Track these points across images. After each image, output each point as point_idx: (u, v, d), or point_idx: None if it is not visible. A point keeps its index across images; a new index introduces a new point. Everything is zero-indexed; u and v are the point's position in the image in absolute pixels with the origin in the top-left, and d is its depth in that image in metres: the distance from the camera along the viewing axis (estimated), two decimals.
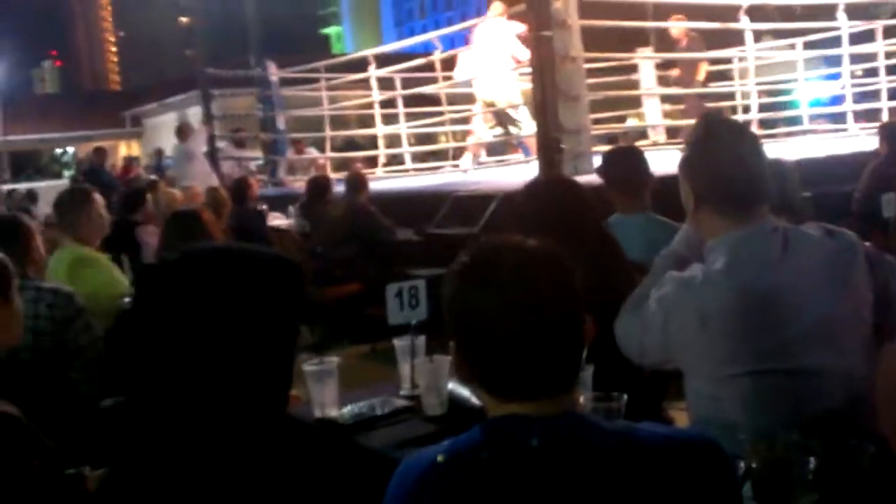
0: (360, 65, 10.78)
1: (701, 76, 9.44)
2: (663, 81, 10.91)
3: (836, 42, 10.06)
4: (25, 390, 2.27)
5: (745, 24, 9.38)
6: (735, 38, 10.09)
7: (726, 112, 9.36)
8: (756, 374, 1.92)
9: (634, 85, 10.78)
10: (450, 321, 1.32)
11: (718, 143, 2.06)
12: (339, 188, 7.48)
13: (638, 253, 2.85)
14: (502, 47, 8.16)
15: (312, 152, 13.19)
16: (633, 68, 11.02)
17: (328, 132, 11.45)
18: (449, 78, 9.77)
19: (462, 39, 8.96)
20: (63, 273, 3.56)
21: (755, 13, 9.71)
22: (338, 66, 11.73)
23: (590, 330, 1.32)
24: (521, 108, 8.34)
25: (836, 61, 10.53)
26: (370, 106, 10.90)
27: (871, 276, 1.99)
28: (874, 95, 10.26)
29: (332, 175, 9.20)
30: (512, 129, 8.57)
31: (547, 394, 1.28)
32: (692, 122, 8.93)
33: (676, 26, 9.49)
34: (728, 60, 10.48)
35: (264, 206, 8.00)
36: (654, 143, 10.69)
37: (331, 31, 71.18)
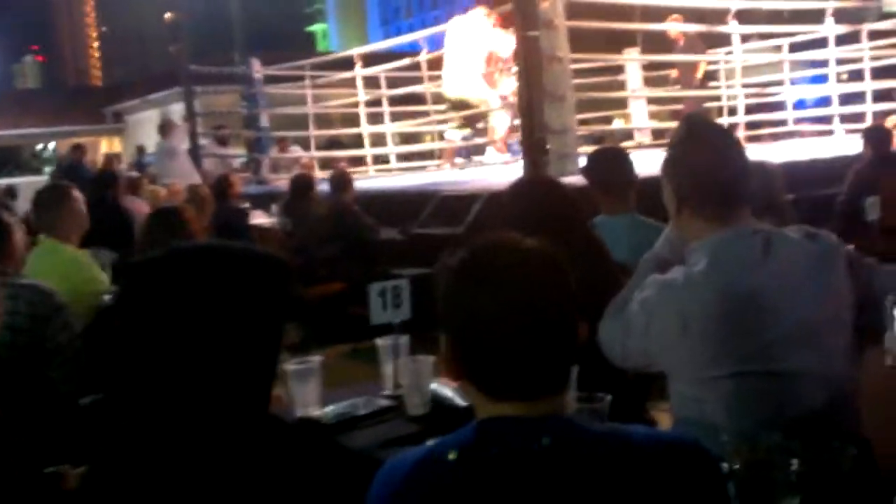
0: (346, 64, 10.76)
1: (699, 75, 9.45)
2: (650, 82, 10.95)
3: (821, 44, 10.12)
4: (3, 388, 2.25)
5: (732, 27, 9.42)
6: (722, 41, 10.15)
7: (712, 114, 9.41)
8: (737, 376, 1.92)
9: (621, 86, 10.81)
10: (443, 318, 1.31)
11: (701, 145, 2.07)
12: (323, 187, 7.47)
13: (623, 254, 2.85)
14: (476, 46, 8.15)
15: (296, 151, 13.16)
16: (619, 69, 11.06)
17: (312, 131, 11.42)
18: (435, 78, 9.77)
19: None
20: (42, 270, 3.52)
21: (743, 16, 9.76)
22: (323, 64, 11.70)
23: (583, 332, 1.32)
24: (496, 112, 8.31)
25: (821, 64, 10.59)
26: (355, 105, 10.88)
27: (852, 278, 2.00)
28: (859, 98, 10.32)
29: (317, 174, 9.19)
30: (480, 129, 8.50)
31: (539, 395, 1.27)
32: None
33: (673, 27, 9.49)
34: (714, 62, 10.52)
35: (247, 205, 7.96)
36: (640, 145, 10.73)
37: (316, 28, 71.07)
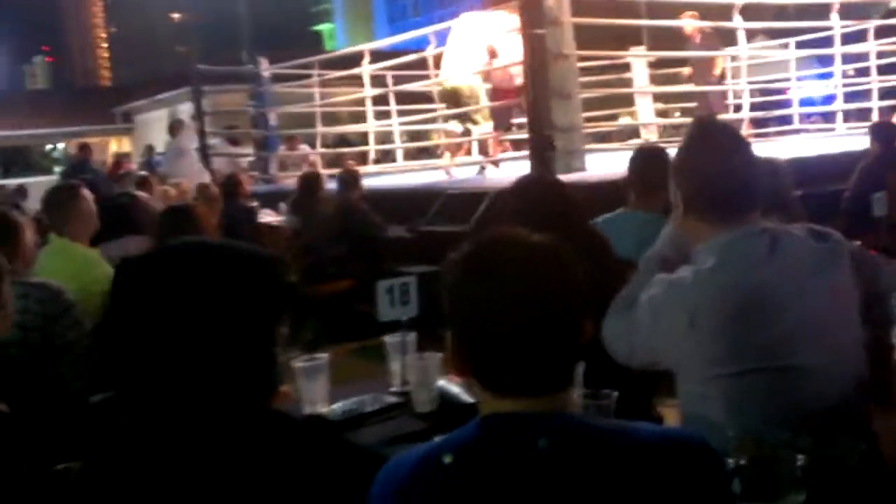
0: (352, 62, 10.76)
1: (717, 71, 9.38)
2: (657, 80, 10.93)
3: (828, 42, 10.09)
4: (14, 386, 2.27)
5: (738, 23, 9.39)
6: (728, 37, 10.11)
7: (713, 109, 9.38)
8: (744, 373, 1.92)
9: (627, 83, 10.79)
10: (449, 311, 1.31)
11: (710, 149, 2.06)
12: (331, 185, 7.48)
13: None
14: (478, 42, 8.12)
15: (305, 149, 13.19)
16: (625, 67, 11.04)
17: (320, 129, 11.43)
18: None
19: None
20: (53, 269, 3.54)
21: (748, 12, 9.73)
22: (329, 62, 11.71)
23: (588, 329, 1.31)
24: (483, 108, 8.26)
25: (828, 61, 10.56)
26: (362, 102, 10.88)
27: (858, 274, 2.00)
28: (865, 95, 10.29)
29: (324, 171, 9.19)
30: (470, 126, 8.40)
31: (543, 391, 1.27)
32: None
33: (689, 23, 9.41)
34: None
35: (256, 203, 7.99)
36: (647, 142, 10.71)
37: (323, 28, 71.07)
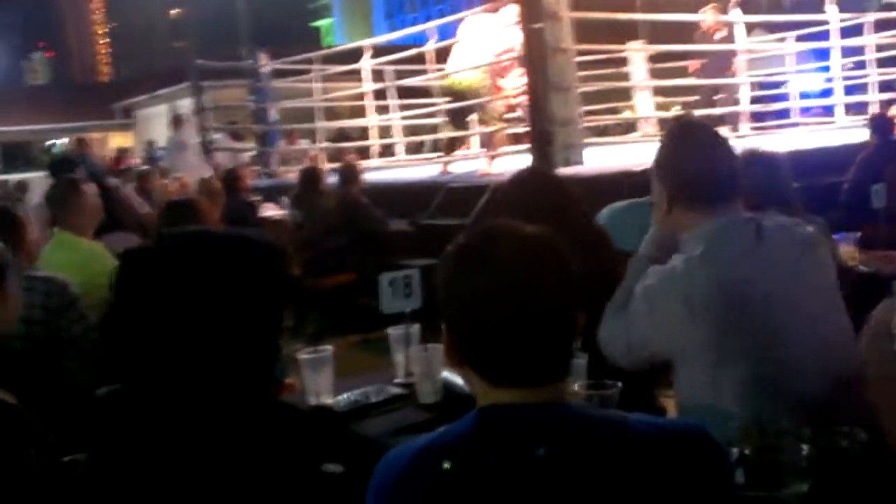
0: (352, 56, 10.76)
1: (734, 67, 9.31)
2: (656, 74, 10.92)
3: (825, 35, 10.09)
4: (20, 379, 2.28)
5: (736, 16, 9.39)
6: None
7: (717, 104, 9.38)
8: (743, 358, 1.96)
9: (625, 77, 10.79)
10: (443, 303, 1.31)
11: (692, 143, 2.17)
12: (333, 179, 7.49)
13: None
14: (486, 40, 8.05)
15: (304, 143, 13.19)
16: (624, 61, 11.03)
17: (320, 123, 11.43)
18: (442, 69, 9.74)
19: (453, 32, 8.87)
20: (57, 263, 3.55)
21: (745, 6, 9.73)
22: (330, 57, 11.71)
23: (581, 322, 1.31)
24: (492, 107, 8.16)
25: (825, 54, 10.56)
26: (362, 97, 10.88)
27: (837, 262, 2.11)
28: (863, 88, 10.30)
29: (325, 166, 9.19)
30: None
31: (540, 381, 1.27)
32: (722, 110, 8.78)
33: (709, 17, 9.33)
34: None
35: (258, 197, 8.00)
36: (645, 135, 10.70)
37: (321, 23, 70.93)
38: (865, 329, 1.70)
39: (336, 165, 8.45)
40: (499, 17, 7.72)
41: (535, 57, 6.56)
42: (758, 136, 9.11)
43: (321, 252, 6.39)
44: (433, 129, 11.17)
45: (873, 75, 10.06)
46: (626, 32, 11.52)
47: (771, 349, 1.96)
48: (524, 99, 7.20)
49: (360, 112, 11.44)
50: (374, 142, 10.89)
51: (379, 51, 10.98)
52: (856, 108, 10.19)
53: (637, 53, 10.73)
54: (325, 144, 11.92)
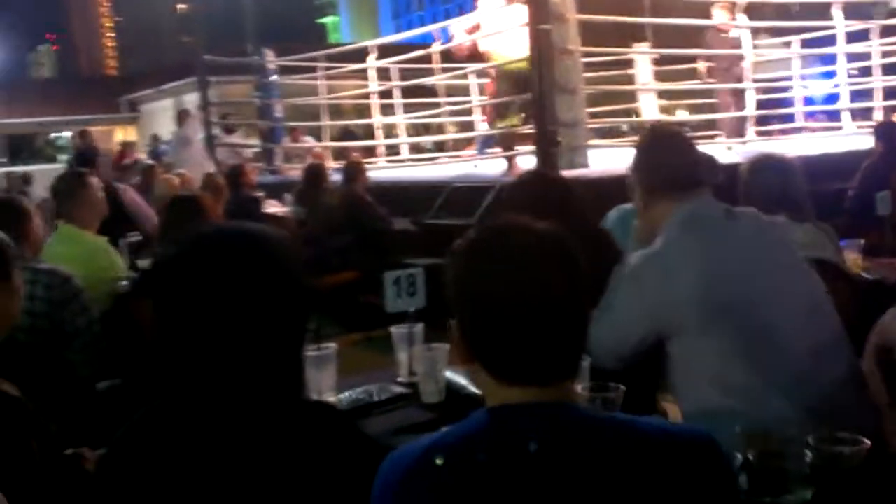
0: (359, 55, 10.76)
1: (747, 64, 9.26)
2: (661, 76, 10.91)
3: (831, 41, 10.08)
4: (22, 371, 2.28)
5: (741, 21, 9.38)
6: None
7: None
8: (727, 324, 2.09)
9: (630, 79, 10.78)
10: (454, 298, 1.30)
11: (664, 144, 2.46)
12: (336, 177, 7.49)
13: None
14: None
15: (309, 140, 13.20)
16: (629, 63, 11.03)
17: (325, 121, 11.44)
18: (448, 70, 9.74)
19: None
20: (62, 256, 3.56)
21: (752, 11, 9.70)
22: (336, 55, 11.72)
23: (591, 318, 1.31)
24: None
25: (831, 60, 10.55)
26: (367, 96, 10.88)
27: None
28: (869, 94, 10.28)
29: (330, 163, 9.19)
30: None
31: (548, 379, 1.27)
32: (726, 115, 8.70)
33: (722, 14, 9.25)
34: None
35: (261, 194, 8.01)
36: None
37: (328, 20, 70.97)
38: (871, 336, 1.71)
39: (340, 163, 8.45)
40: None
41: (542, 58, 6.56)
42: (763, 142, 9.10)
43: (324, 250, 6.39)
44: (439, 128, 11.18)
45: (879, 81, 10.05)
46: (633, 34, 11.51)
47: (752, 317, 2.11)
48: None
49: (365, 111, 11.45)
50: (379, 142, 10.88)
51: (385, 50, 10.98)
52: (861, 115, 10.18)
53: (642, 56, 10.72)
54: (330, 143, 11.93)
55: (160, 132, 18.51)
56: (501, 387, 1.27)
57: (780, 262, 2.26)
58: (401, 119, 10.52)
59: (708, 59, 9.55)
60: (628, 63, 11.07)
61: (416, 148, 11.57)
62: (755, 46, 9.76)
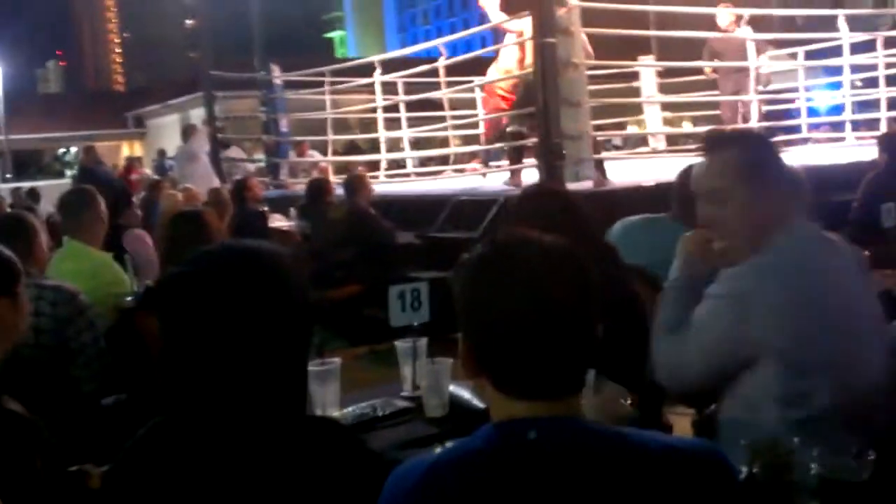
0: (364, 70, 10.80)
1: (765, 70, 9.21)
2: (665, 89, 10.93)
3: (836, 52, 10.08)
4: (27, 387, 2.29)
5: (746, 33, 9.39)
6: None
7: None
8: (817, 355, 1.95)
9: (635, 92, 10.81)
10: (461, 312, 1.30)
11: (773, 149, 2.22)
12: (340, 191, 7.49)
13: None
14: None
15: (315, 155, 13.23)
16: (634, 75, 11.05)
17: (330, 136, 11.47)
18: (453, 83, 9.76)
19: (465, 46, 8.86)
20: (68, 272, 3.57)
21: (757, 24, 9.72)
22: (341, 70, 11.76)
23: (600, 333, 1.30)
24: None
25: (836, 71, 10.56)
26: (373, 111, 10.91)
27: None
28: (873, 105, 10.28)
29: (335, 179, 9.20)
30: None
31: (555, 393, 1.26)
32: (726, 127, 8.64)
33: (725, 14, 9.22)
34: None
35: (266, 208, 8.03)
36: (654, 150, 10.71)
37: (334, 35, 71.27)
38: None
39: (344, 177, 8.46)
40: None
41: (547, 71, 6.57)
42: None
43: (328, 264, 6.39)
44: (443, 142, 11.20)
45: (883, 92, 10.05)
46: (638, 47, 11.55)
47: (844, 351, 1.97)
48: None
49: (370, 125, 11.47)
50: (384, 156, 10.90)
51: (390, 64, 11.02)
52: (866, 126, 10.17)
53: (647, 69, 10.74)
54: (333, 158, 11.96)
55: (167, 147, 18.57)
56: (508, 401, 1.27)
57: (862, 287, 2.11)
58: (405, 133, 10.55)
59: (714, 60, 9.51)
60: (633, 75, 11.10)
61: (420, 162, 11.58)
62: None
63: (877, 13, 12.97)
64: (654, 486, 1.20)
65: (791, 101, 10.93)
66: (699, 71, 10.00)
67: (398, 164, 11.09)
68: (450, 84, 9.82)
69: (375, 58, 11.06)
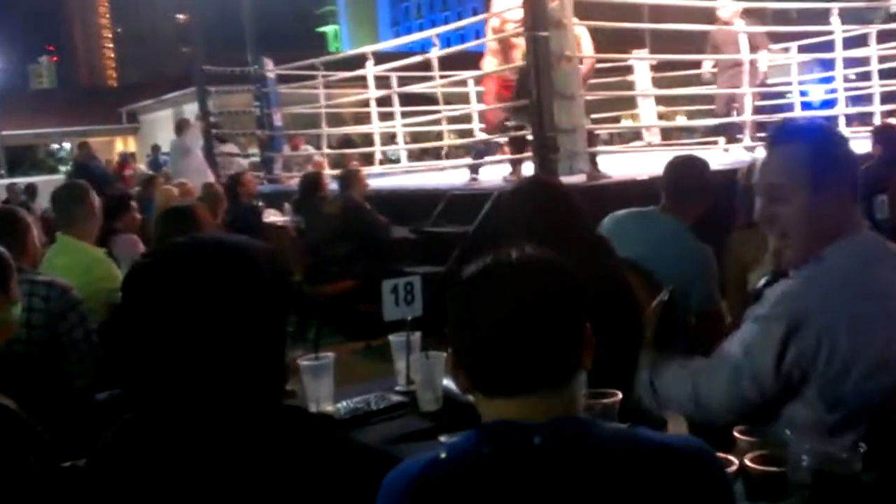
0: (357, 63, 10.78)
1: (764, 67, 9.15)
2: (659, 82, 10.93)
3: (830, 46, 10.09)
4: (19, 383, 2.28)
5: (740, 27, 9.39)
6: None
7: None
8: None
9: (629, 86, 10.80)
10: (449, 333, 1.34)
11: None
12: (334, 185, 7.49)
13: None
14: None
15: (309, 149, 13.21)
16: (628, 69, 11.05)
17: (324, 129, 11.45)
18: (446, 76, 9.75)
19: (458, 38, 8.84)
20: (61, 267, 3.56)
21: (751, 17, 9.70)
22: (334, 63, 11.74)
23: (590, 332, 1.32)
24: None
25: (830, 65, 10.56)
26: (366, 104, 10.89)
27: None
28: (867, 99, 10.29)
29: (329, 172, 9.19)
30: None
31: (542, 389, 1.28)
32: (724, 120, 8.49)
33: (728, 6, 9.18)
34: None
35: (260, 203, 8.01)
36: (649, 144, 10.72)
37: (327, 29, 71.15)
38: None
39: (338, 171, 8.44)
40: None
41: (541, 65, 6.56)
42: (762, 146, 9.06)
43: (323, 258, 6.39)
44: (437, 135, 11.19)
45: (877, 86, 10.06)
46: (632, 41, 11.54)
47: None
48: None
49: (364, 119, 11.45)
50: (378, 148, 10.89)
51: (383, 57, 10.99)
52: (859, 119, 10.18)
53: (641, 62, 10.73)
54: (328, 151, 11.93)
55: (160, 142, 18.53)
56: (494, 402, 1.30)
57: None
58: (399, 126, 10.53)
59: (714, 53, 9.46)
60: (627, 69, 11.09)
61: (414, 155, 11.57)
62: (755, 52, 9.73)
63: (871, 6, 12.94)
64: (645, 481, 1.21)
65: (785, 94, 10.94)
66: (694, 65, 9.98)
67: (390, 159, 11.07)
68: (443, 76, 9.80)
69: (368, 48, 11.03)
